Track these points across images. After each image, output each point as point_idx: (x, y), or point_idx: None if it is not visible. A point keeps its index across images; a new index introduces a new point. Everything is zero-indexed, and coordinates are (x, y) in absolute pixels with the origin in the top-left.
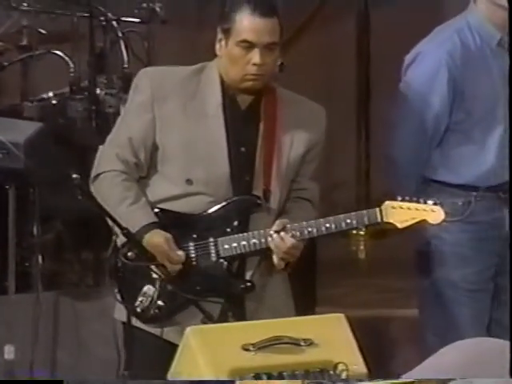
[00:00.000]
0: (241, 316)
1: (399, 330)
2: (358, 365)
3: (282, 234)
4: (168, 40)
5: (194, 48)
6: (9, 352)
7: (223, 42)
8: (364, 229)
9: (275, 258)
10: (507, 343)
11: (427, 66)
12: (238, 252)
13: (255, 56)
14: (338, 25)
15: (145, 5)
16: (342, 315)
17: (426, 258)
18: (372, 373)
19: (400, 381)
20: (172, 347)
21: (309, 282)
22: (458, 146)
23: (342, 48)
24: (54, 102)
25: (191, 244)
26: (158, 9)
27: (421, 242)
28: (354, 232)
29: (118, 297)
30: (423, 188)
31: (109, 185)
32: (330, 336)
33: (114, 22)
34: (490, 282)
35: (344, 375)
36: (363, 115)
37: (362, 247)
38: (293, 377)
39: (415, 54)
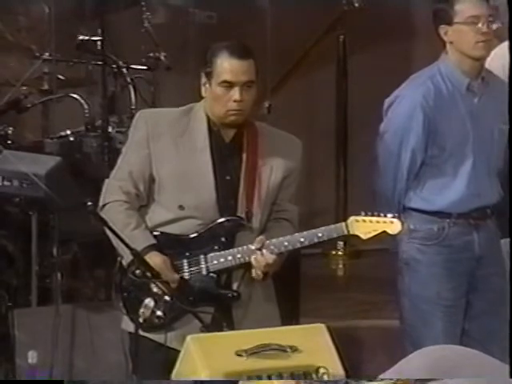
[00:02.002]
0: (229, 322)
1: (373, 338)
2: (336, 368)
3: (264, 251)
4: (171, 85)
5: (194, 91)
6: (32, 357)
7: (207, 85)
8: (342, 249)
9: (253, 272)
10: (470, 350)
11: (405, 108)
12: (225, 266)
13: (235, 94)
14: (319, 71)
15: (151, 54)
16: (322, 325)
17: (404, 277)
18: (349, 376)
19: (383, 382)
20: (174, 353)
21: (294, 296)
22: (432, 177)
23: (323, 90)
24: (71, 138)
25: (185, 261)
26: (162, 57)
27: (401, 264)
28: (334, 252)
29: (123, 309)
30: (403, 215)
31: (114, 213)
32: (313, 343)
33: (124, 69)
34: (462, 298)
35: (325, 378)
36: (341, 149)
37: (340, 266)
38: (279, 378)
39: (394, 97)
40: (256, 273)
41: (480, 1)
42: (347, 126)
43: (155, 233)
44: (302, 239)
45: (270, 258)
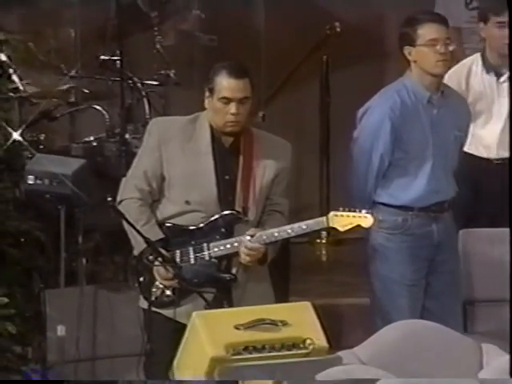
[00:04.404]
0: (229, 301)
1: (352, 314)
2: (321, 340)
3: (247, 239)
4: (179, 98)
5: (198, 104)
6: (61, 330)
7: (210, 98)
8: (325, 238)
9: (241, 257)
10: (437, 325)
11: (375, 118)
12: (225, 253)
13: (232, 108)
14: (306, 85)
15: (162, 71)
16: (309, 303)
17: (374, 261)
18: (332, 346)
19: None
20: (182, 326)
21: (284, 278)
22: (397, 176)
23: (309, 102)
24: (94, 144)
25: (190, 248)
26: (171, 74)
27: (371, 250)
28: (318, 241)
29: (138, 290)
30: (372, 209)
31: (128, 209)
32: (300, 318)
33: (139, 84)
34: (422, 279)
35: (311, 348)
36: (325, 153)
37: (324, 252)
38: (272, 349)
39: (366, 108)
40: (243, 258)
41: (439, 26)
42: (330, 132)
43: (167, 224)
44: (289, 230)
45: (250, 245)
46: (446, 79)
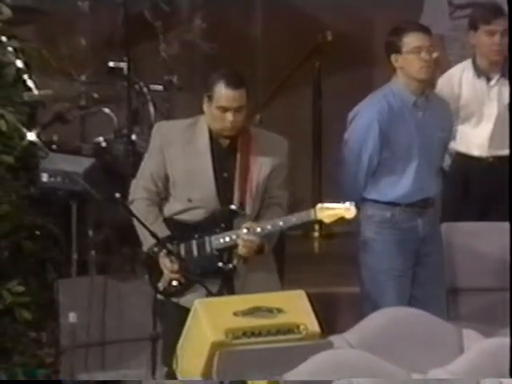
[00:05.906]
0: (231, 290)
1: (343, 302)
2: (314, 326)
3: (244, 233)
4: (182, 101)
5: (199, 107)
6: (72, 317)
7: (208, 104)
8: (318, 232)
9: (239, 249)
10: (422, 311)
11: (364, 121)
12: (224, 245)
13: (228, 116)
14: (300, 90)
15: (166, 77)
16: (303, 291)
17: (364, 253)
18: (324, 331)
19: None
20: (186, 311)
21: (280, 269)
22: (385, 175)
23: (303, 105)
24: (103, 144)
25: (193, 242)
26: (175, 80)
27: (361, 243)
28: (311, 234)
29: (148, 280)
30: (362, 204)
31: (137, 209)
32: (295, 306)
33: (145, 89)
34: (409, 270)
35: (304, 333)
36: (317, 152)
37: (316, 244)
38: (268, 334)
39: (356, 111)
40: (239, 249)
41: (423, 34)
42: (321, 133)
43: (174, 220)
44: (280, 223)
45: (246, 237)
46: (440, 84)
